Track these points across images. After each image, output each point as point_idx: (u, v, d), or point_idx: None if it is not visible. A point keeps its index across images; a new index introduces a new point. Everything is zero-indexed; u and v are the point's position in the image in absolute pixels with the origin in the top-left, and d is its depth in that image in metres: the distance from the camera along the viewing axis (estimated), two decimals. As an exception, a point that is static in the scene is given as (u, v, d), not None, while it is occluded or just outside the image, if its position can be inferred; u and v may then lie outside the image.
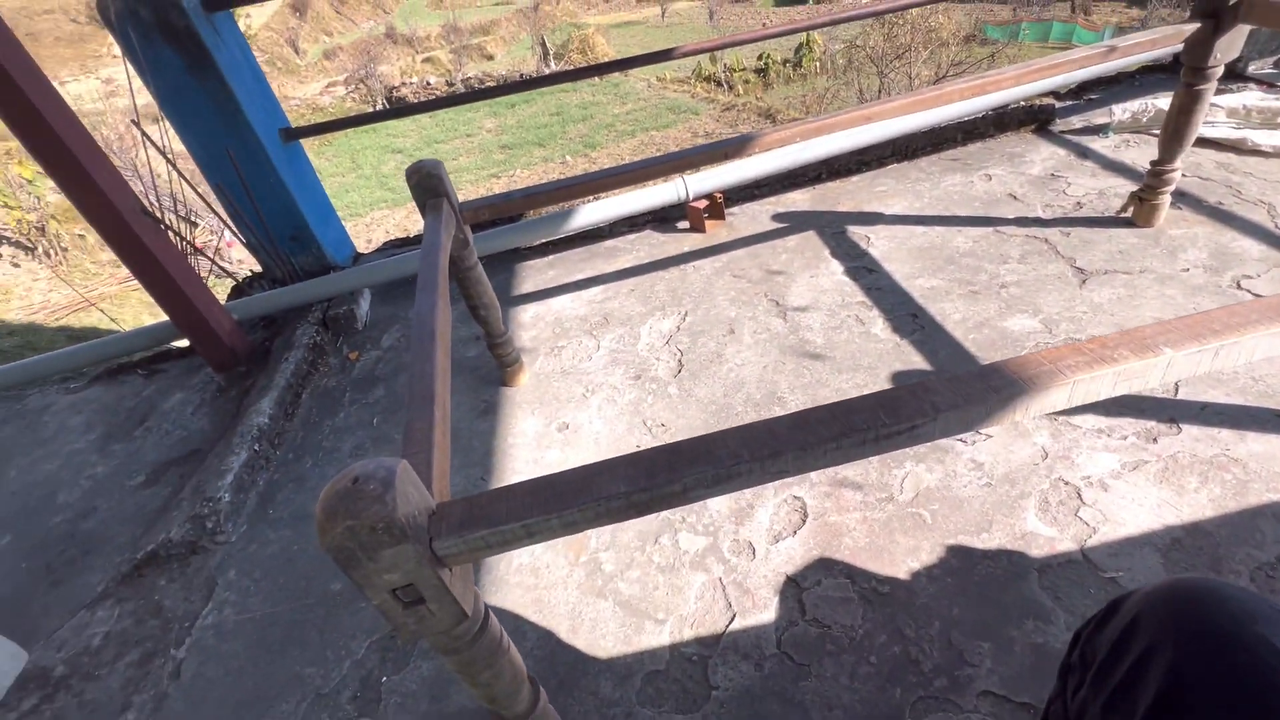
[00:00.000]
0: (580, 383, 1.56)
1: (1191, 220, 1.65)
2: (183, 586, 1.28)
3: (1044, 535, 1.03)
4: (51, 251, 10.18)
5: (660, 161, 1.37)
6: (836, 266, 1.76)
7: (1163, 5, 19.17)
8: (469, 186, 13.77)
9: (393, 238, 2.44)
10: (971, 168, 2.09)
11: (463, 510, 0.54)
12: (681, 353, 1.58)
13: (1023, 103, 2.22)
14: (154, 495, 1.53)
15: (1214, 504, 1.02)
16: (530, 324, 1.82)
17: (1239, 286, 1.42)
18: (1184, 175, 1.79)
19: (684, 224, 2.14)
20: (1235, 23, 1.29)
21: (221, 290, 2.13)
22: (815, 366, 1.45)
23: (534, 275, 2.05)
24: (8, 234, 10.00)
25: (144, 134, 1.72)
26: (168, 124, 1.76)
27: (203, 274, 1.81)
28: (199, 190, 1.95)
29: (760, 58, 21.56)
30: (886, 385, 1.37)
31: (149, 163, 2.08)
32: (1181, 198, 1.72)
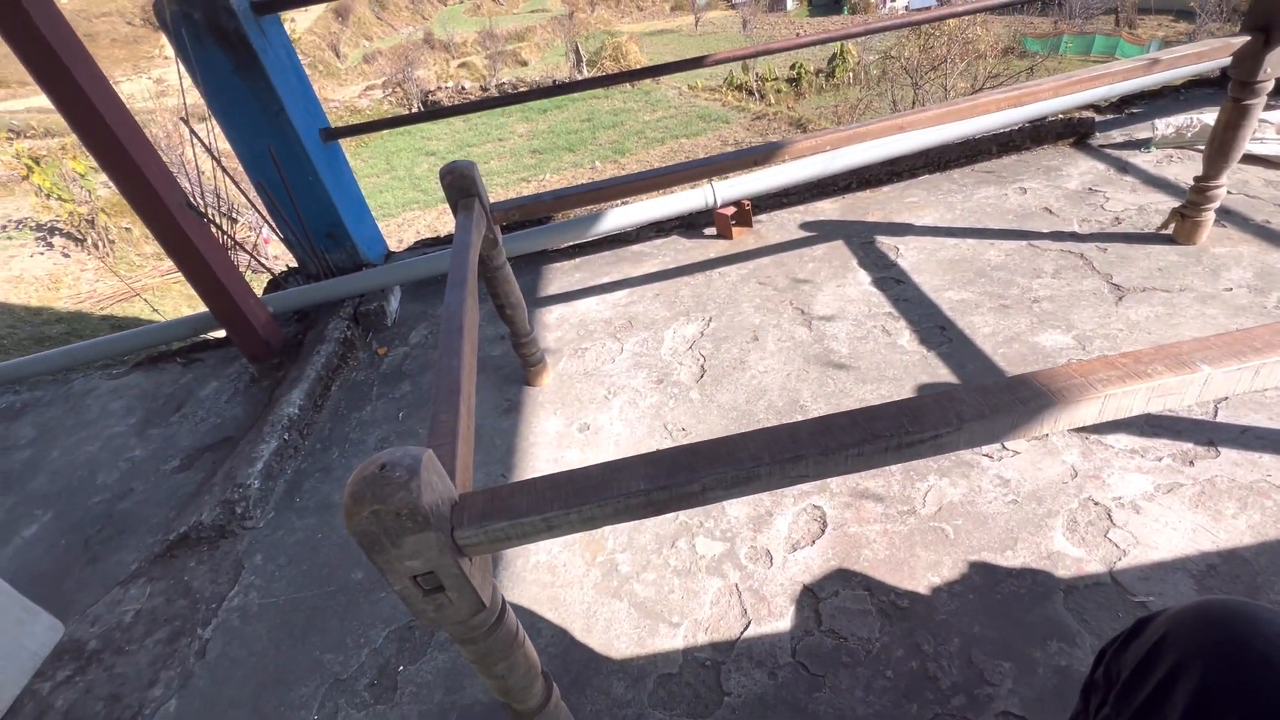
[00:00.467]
0: (603, 384, 1.57)
1: (1236, 238, 1.60)
2: (211, 569, 1.32)
3: (1071, 555, 1.01)
4: (100, 243, 10.58)
5: (689, 167, 1.37)
6: (864, 276, 1.75)
7: (1211, 19, 18.61)
8: (500, 190, 13.96)
9: (423, 237, 2.49)
10: (1006, 180, 2.06)
11: (484, 501, 0.55)
12: (704, 358, 1.58)
13: (1061, 115, 2.18)
14: (187, 479, 1.58)
15: (1253, 531, 0.99)
16: (555, 325, 1.83)
17: (1285, 308, 1.37)
18: (1230, 192, 1.74)
19: (711, 230, 2.14)
20: (1287, 36, 1.25)
21: (258, 284, 2.19)
22: (839, 376, 1.44)
23: (560, 277, 2.07)
24: (60, 226, 10.43)
25: (192, 131, 1.79)
26: (214, 123, 1.83)
27: (241, 268, 1.86)
28: (241, 187, 2.02)
29: (793, 67, 21.48)
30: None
31: (195, 159, 2.16)
32: (1226, 215, 1.67)
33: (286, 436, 1.55)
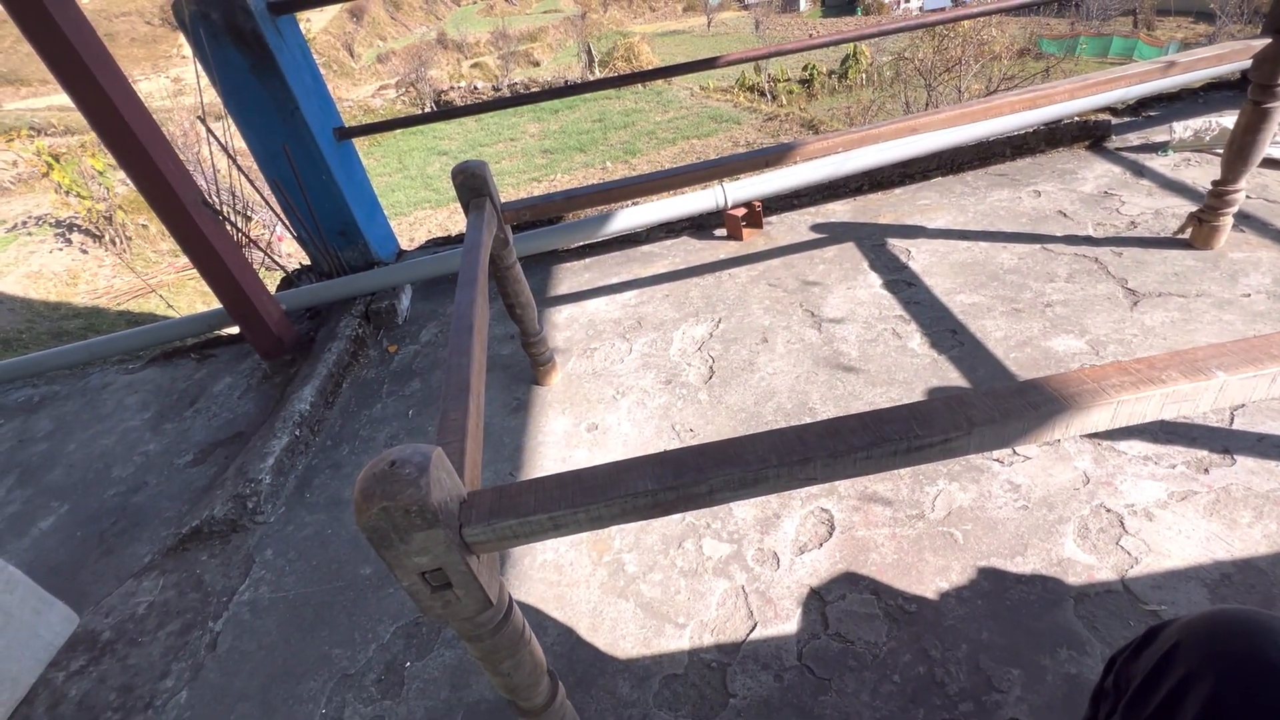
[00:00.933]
0: (611, 385, 1.58)
1: (1255, 244, 1.58)
2: (223, 562, 1.34)
3: (1082, 562, 1.00)
4: (117, 240, 10.71)
5: (700, 168, 1.37)
6: (875, 279, 1.74)
7: (1232, 21, 18.35)
8: (511, 189, 13.99)
9: (434, 236, 2.50)
10: (1020, 183, 2.04)
11: (492, 499, 0.56)
12: (713, 359, 1.58)
13: (1076, 118, 2.16)
14: (200, 474, 1.59)
15: (1269, 540, 0.97)
16: (564, 325, 1.84)
17: (1305, 314, 1.35)
18: (1248, 197, 1.71)
19: (721, 231, 2.14)
20: (1309, 39, 1.23)
21: (271, 281, 2.22)
22: (848, 379, 1.43)
23: (570, 277, 2.07)
24: (79, 222, 10.58)
25: (209, 130, 1.81)
26: (230, 121, 1.85)
27: (255, 265, 1.89)
28: (256, 185, 2.04)
29: (805, 68, 21.40)
30: (922, 401, 1.34)
31: (211, 157, 2.18)
32: (1245, 220, 1.65)
33: (298, 433, 1.57)
